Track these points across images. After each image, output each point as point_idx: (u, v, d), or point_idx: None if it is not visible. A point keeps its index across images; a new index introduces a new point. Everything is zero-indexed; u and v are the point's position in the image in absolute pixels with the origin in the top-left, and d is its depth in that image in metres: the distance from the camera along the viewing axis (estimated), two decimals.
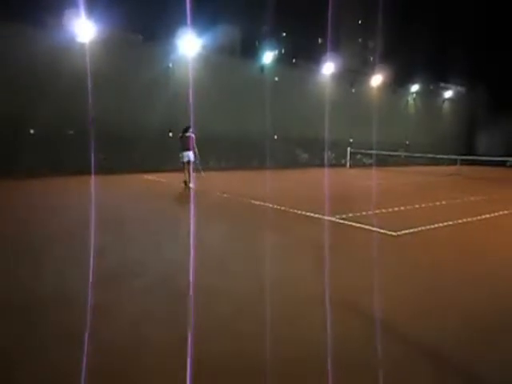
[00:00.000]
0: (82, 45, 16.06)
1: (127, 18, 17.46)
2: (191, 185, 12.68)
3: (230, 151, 21.21)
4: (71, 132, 16.10)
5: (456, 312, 4.17)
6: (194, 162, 12.60)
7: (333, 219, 8.51)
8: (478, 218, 9.21)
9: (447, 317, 4.06)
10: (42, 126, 15.61)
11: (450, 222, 8.49)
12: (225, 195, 11.96)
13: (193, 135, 12.71)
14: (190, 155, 12.54)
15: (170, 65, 19.11)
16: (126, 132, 17.68)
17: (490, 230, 8.33)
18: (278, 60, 23.76)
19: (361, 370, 3.10)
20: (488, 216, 9.46)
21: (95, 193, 11.29)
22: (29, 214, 8.66)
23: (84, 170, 14.48)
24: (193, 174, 12.78)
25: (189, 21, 16.64)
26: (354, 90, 27.36)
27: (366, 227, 7.81)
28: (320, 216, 8.80)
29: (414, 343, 3.54)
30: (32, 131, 15.58)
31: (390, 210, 9.94)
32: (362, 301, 4.39)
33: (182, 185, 12.83)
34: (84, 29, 15.94)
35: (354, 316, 4.04)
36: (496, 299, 4.56)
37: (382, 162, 27.85)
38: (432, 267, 5.65)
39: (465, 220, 8.86)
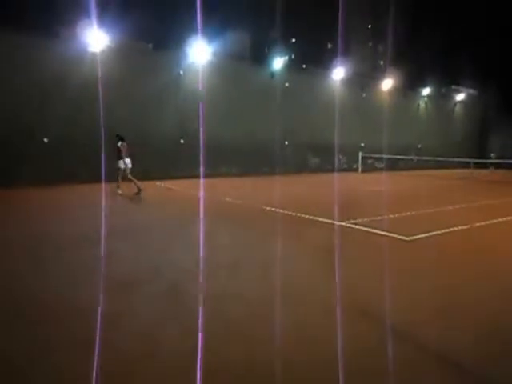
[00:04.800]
0: (94, 54, 16.28)
1: (138, 27, 17.62)
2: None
3: (241, 157, 21.22)
4: (83, 140, 16.25)
5: (470, 316, 4.10)
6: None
7: (344, 224, 8.46)
8: (494, 221, 9.07)
9: (460, 321, 3.99)
10: (55, 134, 15.80)
11: (464, 227, 8.38)
12: (237, 201, 11.97)
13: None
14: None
15: (181, 72, 19.25)
16: (137, 139, 17.78)
17: (505, 233, 8.20)
18: (288, 66, 23.79)
19: (374, 374, 3.06)
20: (504, 219, 9.32)
21: (111, 200, 11.38)
22: (44, 221, 8.76)
23: (96, 178, 14.60)
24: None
25: (199, 28, 16.77)
26: (364, 95, 27.26)
27: (378, 232, 7.75)
28: (331, 221, 8.76)
29: (427, 346, 3.49)
30: (46, 140, 15.78)
31: (403, 214, 9.85)
32: (374, 305, 4.35)
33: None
34: (96, 38, 16.17)
35: (366, 320, 4.00)
36: (508, 299, 4.49)
37: (394, 166, 27.66)
38: (444, 272, 5.57)
39: (479, 224, 8.73)
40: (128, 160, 12.62)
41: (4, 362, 3.19)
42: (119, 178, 12.79)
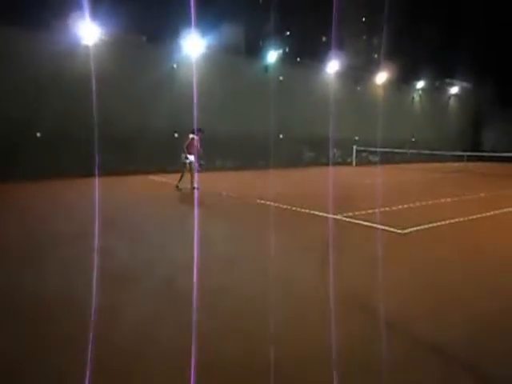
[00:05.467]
0: (87, 47, 16.13)
1: (131, 20, 17.48)
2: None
3: (236, 151, 21.18)
4: (76, 134, 16.13)
5: (464, 310, 4.13)
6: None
7: (339, 217, 8.48)
8: (487, 214, 9.12)
9: (455, 314, 4.02)
10: (47, 128, 15.67)
11: (459, 219, 8.42)
12: (231, 195, 11.96)
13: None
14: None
15: (175, 65, 19.13)
16: (130, 133, 17.72)
17: (499, 226, 8.25)
18: (283, 59, 23.69)
19: (370, 369, 3.08)
20: (498, 212, 9.37)
21: (105, 195, 11.31)
22: (39, 216, 8.72)
23: (89, 172, 14.52)
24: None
25: (193, 21, 16.65)
26: (359, 88, 27.25)
27: (373, 225, 7.77)
28: (326, 214, 8.78)
29: (421, 341, 3.52)
30: (39, 134, 15.65)
31: (397, 207, 9.89)
32: (370, 299, 4.37)
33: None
34: (88, 31, 16.00)
35: (362, 314, 4.02)
36: (505, 297, 4.52)
37: (388, 159, 27.71)
38: (438, 265, 5.61)
39: (473, 217, 8.78)
40: (185, 155, 12.23)
41: (2, 360, 3.19)
42: (189, 174, 12.34)
